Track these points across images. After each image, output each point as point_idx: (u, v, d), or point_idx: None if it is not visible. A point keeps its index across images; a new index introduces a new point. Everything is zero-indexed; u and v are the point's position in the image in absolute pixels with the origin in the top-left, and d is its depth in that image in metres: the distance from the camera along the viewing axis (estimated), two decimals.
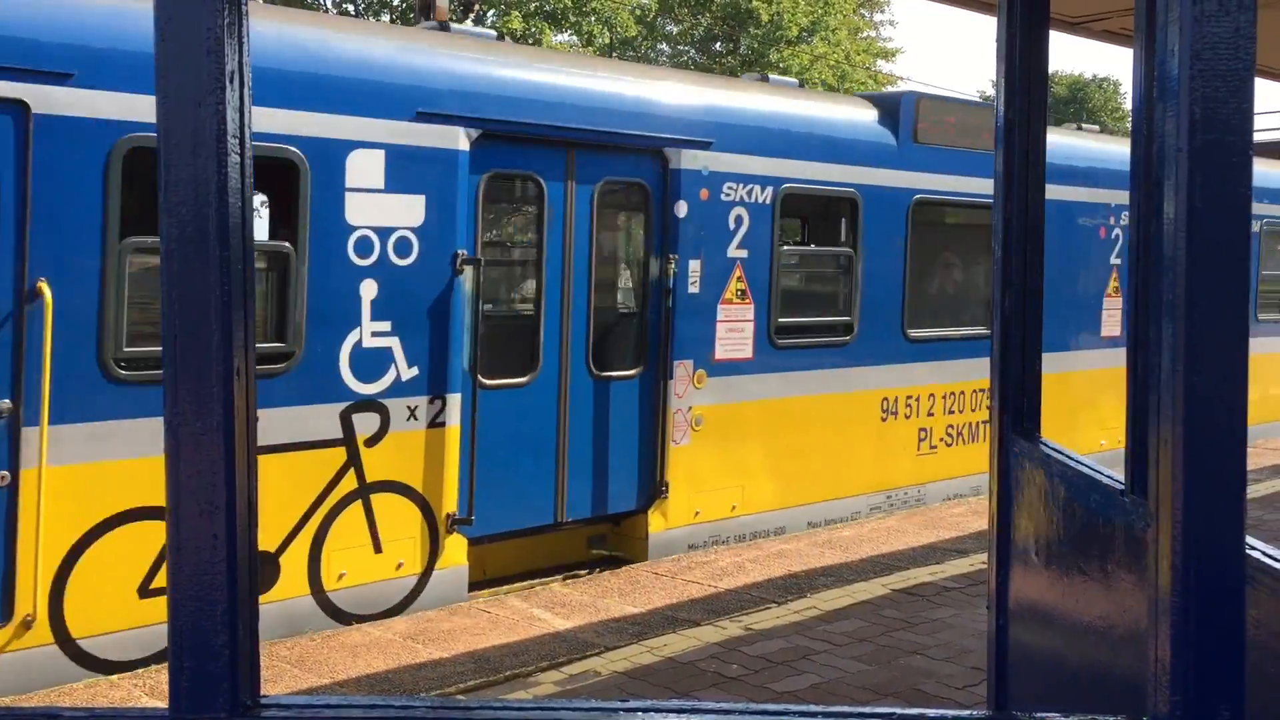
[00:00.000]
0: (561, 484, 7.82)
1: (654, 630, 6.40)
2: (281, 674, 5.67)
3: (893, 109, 9.89)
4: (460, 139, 7.16)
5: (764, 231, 8.83)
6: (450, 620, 6.61)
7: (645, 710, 1.43)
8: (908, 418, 10.05)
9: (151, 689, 5.48)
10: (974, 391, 10.60)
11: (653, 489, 8.31)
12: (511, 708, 1.50)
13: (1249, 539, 1.90)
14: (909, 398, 10.07)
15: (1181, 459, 1.34)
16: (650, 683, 5.60)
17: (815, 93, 10.06)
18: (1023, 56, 3.48)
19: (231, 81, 1.43)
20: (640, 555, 8.23)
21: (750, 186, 8.74)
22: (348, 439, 6.77)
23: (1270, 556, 2.05)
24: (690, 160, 8.34)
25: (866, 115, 9.84)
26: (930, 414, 10.25)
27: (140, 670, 5.76)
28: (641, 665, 5.84)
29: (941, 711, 1.46)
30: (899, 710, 1.49)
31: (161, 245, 1.43)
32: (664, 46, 34.80)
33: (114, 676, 5.71)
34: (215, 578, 1.42)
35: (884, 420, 9.86)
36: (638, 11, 31.40)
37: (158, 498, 6.21)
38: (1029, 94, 3.50)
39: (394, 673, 5.75)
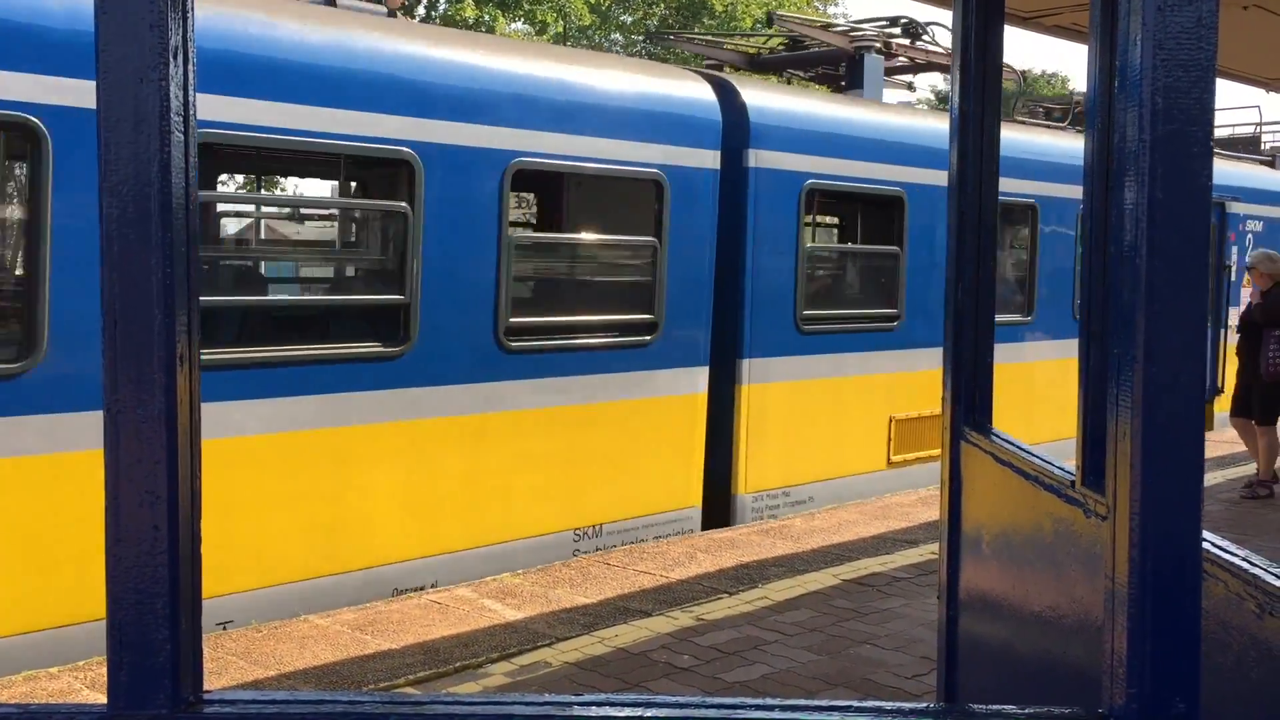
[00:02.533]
0: None
1: (605, 621, 6.38)
2: (227, 666, 5.58)
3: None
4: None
5: None
6: (399, 610, 6.55)
7: (599, 704, 1.41)
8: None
9: (93, 682, 5.38)
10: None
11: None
12: (461, 702, 1.47)
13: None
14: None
15: (1140, 451, 1.33)
16: (601, 674, 5.58)
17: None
18: (977, 50, 3.49)
19: (175, 57, 1.38)
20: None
21: None
22: None
23: (1220, 548, 2.06)
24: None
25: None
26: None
27: (81, 663, 5.65)
28: (592, 656, 5.82)
29: (898, 704, 1.45)
30: (854, 703, 1.48)
31: (101, 227, 1.38)
32: (617, 35, 34.68)
33: (54, 669, 5.60)
34: (156, 570, 1.37)
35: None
36: (592, 0, 31.27)
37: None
38: (983, 87, 3.51)
39: (342, 664, 5.69)
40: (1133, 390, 1.34)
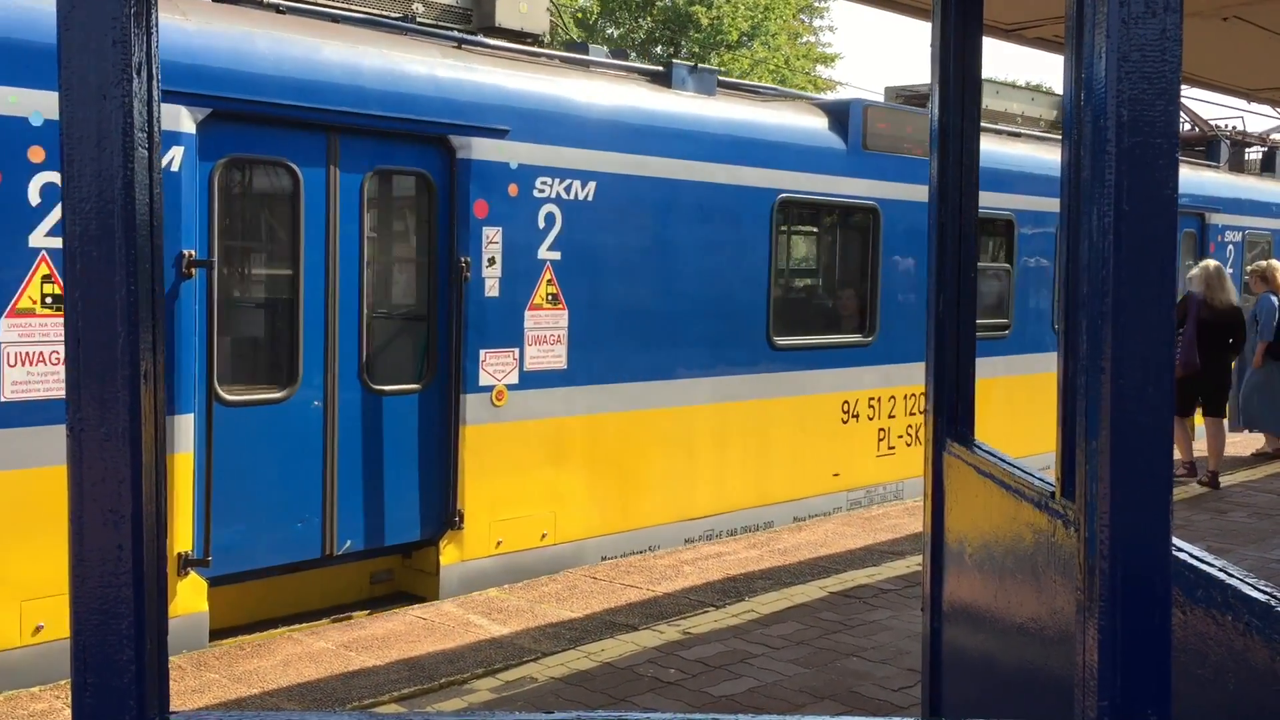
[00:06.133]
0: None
1: (591, 635, 6.36)
2: (210, 685, 5.55)
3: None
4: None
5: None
6: (385, 626, 6.52)
7: None
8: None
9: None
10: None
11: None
12: (434, 719, 1.45)
13: (1176, 541, 1.91)
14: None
15: (1108, 462, 1.33)
16: (587, 688, 5.56)
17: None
18: (957, 62, 3.50)
19: (139, 73, 1.37)
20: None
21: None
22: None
23: (1198, 559, 2.06)
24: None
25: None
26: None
27: (64, 682, 5.61)
28: (578, 671, 5.80)
29: (884, 719, 1.44)
30: (840, 717, 1.47)
31: (64, 243, 1.38)
32: (603, 49, 34.76)
33: (36, 688, 5.55)
34: (120, 590, 1.36)
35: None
36: (579, 14, 31.37)
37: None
38: (963, 99, 3.52)
39: (326, 682, 5.66)
40: (1100, 401, 1.34)
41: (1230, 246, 14.54)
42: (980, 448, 3.29)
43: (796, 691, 5.54)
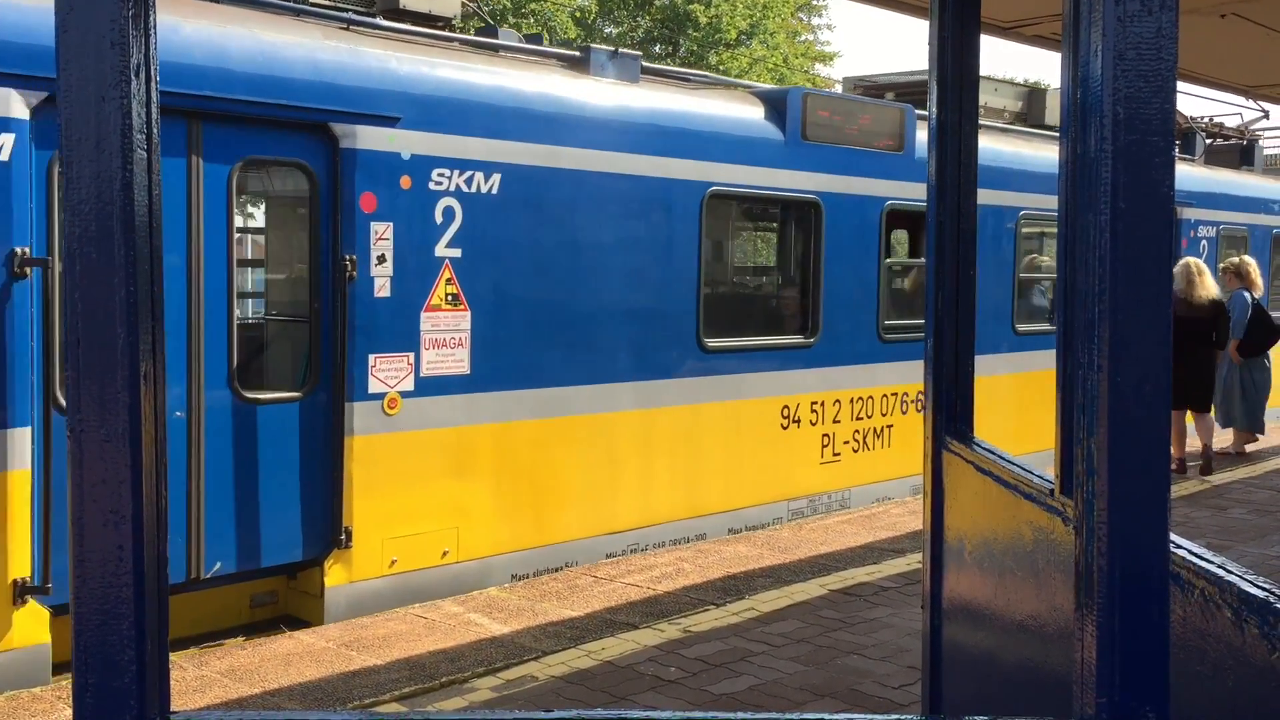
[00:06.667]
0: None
1: (592, 634, 6.37)
2: (211, 684, 5.55)
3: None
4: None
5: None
6: (385, 626, 6.52)
7: None
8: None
9: None
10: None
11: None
12: (432, 719, 1.46)
13: (1175, 537, 1.91)
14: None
15: (1105, 458, 1.33)
16: (588, 687, 5.56)
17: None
18: (954, 60, 3.51)
19: (137, 75, 1.38)
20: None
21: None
22: None
23: (1196, 555, 2.06)
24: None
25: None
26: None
27: (65, 682, 5.62)
28: (579, 670, 5.80)
29: (884, 716, 1.45)
30: (841, 715, 1.47)
31: (64, 245, 1.38)
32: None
33: (38, 689, 5.56)
34: (121, 590, 1.37)
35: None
36: (577, 14, 31.37)
37: None
38: (960, 97, 3.53)
39: (327, 681, 5.66)
40: (1098, 398, 1.34)
41: (1204, 242, 14.27)
42: (979, 445, 3.29)
43: (797, 689, 5.54)
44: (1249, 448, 12.33)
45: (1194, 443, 11.42)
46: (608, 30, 33.94)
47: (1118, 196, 1.33)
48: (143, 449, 1.37)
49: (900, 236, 12.04)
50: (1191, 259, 11.21)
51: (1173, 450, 11.40)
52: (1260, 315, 11.74)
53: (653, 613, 6.77)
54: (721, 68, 30.63)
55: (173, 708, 1.44)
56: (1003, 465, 2.99)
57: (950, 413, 3.50)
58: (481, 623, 6.59)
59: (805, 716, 1.42)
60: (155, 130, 1.41)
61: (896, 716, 1.43)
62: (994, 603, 3.12)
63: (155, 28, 1.41)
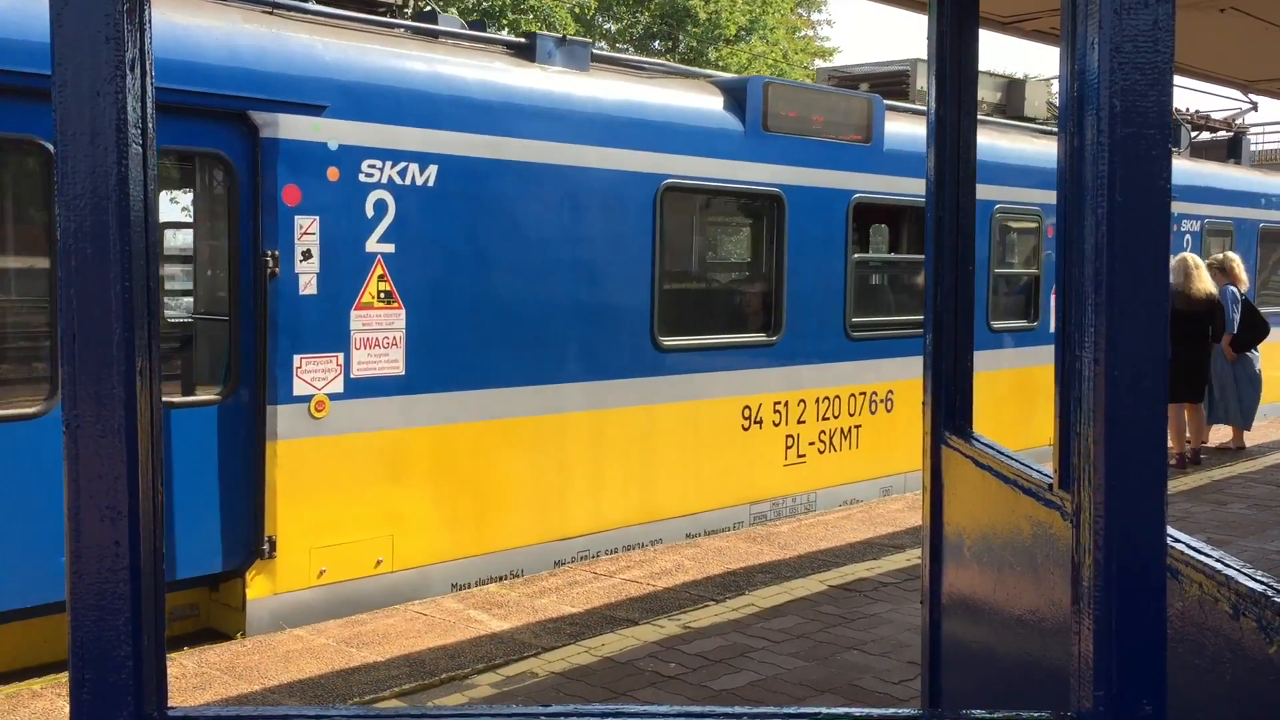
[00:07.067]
0: None
1: (592, 630, 6.37)
2: (211, 681, 5.56)
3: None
4: None
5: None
6: (385, 622, 6.52)
7: (566, 715, 1.40)
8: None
9: None
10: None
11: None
12: (430, 715, 1.46)
13: (1173, 532, 1.91)
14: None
15: (1102, 453, 1.33)
16: (588, 683, 5.56)
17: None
18: (953, 55, 3.50)
19: (132, 69, 1.37)
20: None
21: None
22: None
23: (1194, 549, 2.06)
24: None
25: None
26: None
27: (62, 678, 5.61)
28: (579, 666, 5.81)
29: (882, 711, 1.45)
30: (841, 710, 1.47)
31: (59, 241, 1.38)
32: (602, 44, 34.76)
33: (36, 685, 5.56)
34: (118, 586, 1.36)
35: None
36: (576, 9, 31.33)
37: None
38: (959, 92, 3.52)
39: (327, 678, 5.66)
40: (1094, 392, 1.34)
41: (1187, 236, 14.11)
42: (978, 440, 3.29)
43: (796, 685, 5.55)
44: (1232, 443, 12.35)
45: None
46: (607, 26, 33.91)
47: (1114, 190, 1.33)
48: (139, 445, 1.37)
49: (878, 230, 11.99)
50: (1188, 254, 11.28)
51: (1171, 444, 11.49)
52: (1249, 311, 11.78)
53: (652, 609, 6.77)
54: (721, 64, 30.61)
55: (171, 704, 1.44)
56: (1002, 460, 2.99)
57: (949, 408, 3.50)
58: (481, 619, 6.59)
59: (805, 711, 1.41)
60: (151, 125, 1.41)
61: (896, 711, 1.43)
62: (993, 598, 3.12)
63: (150, 23, 1.41)
